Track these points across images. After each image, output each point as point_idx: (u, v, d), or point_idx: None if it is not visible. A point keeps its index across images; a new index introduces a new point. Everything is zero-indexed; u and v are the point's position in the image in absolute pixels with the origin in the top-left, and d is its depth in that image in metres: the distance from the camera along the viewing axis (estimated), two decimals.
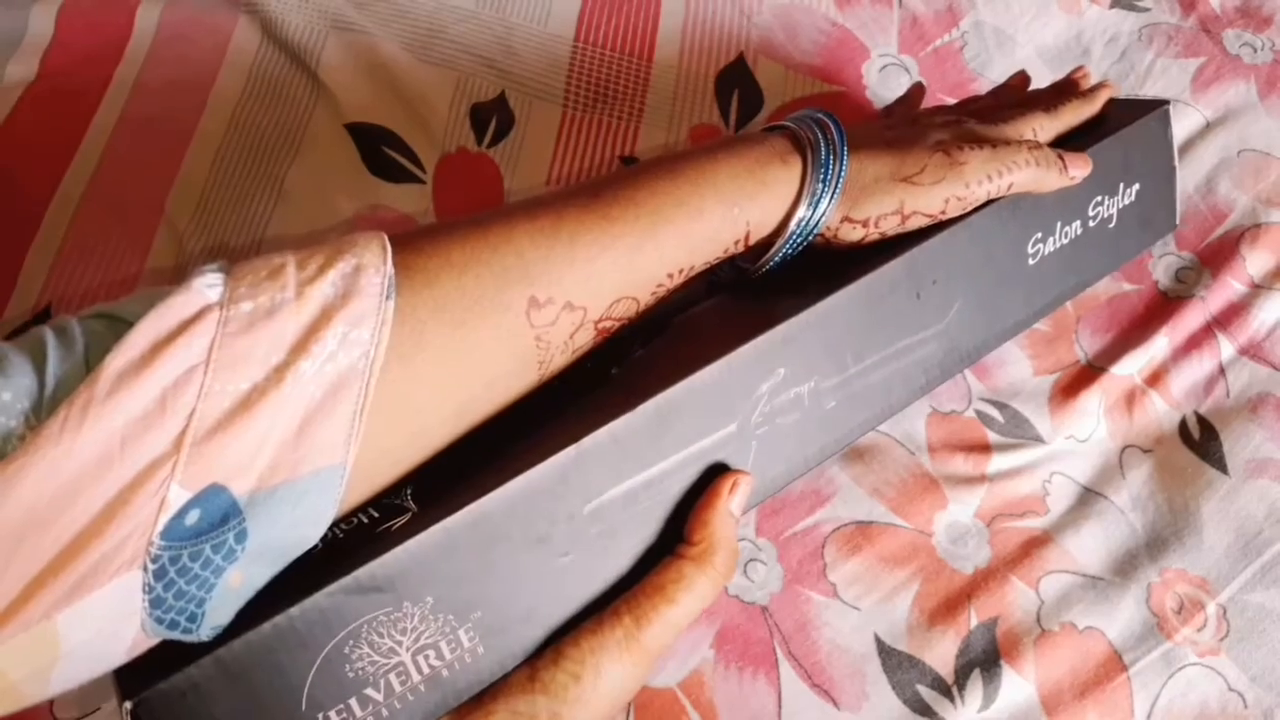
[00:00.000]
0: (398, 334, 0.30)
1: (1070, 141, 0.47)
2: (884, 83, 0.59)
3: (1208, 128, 0.58)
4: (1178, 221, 0.51)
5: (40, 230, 0.52)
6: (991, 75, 0.60)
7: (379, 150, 0.55)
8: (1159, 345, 0.53)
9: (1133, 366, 0.53)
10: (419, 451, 0.34)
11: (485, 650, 0.33)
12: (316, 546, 0.31)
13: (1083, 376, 0.53)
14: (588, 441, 0.34)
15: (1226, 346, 0.54)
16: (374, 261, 0.31)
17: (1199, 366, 0.53)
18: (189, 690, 0.28)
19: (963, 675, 0.46)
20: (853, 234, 0.40)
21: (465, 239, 0.34)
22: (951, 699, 0.45)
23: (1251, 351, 0.54)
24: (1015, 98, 0.50)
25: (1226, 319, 0.54)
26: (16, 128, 0.54)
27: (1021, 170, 0.41)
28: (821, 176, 0.38)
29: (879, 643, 0.47)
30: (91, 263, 0.52)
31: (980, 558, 0.49)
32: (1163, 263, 0.56)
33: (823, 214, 0.39)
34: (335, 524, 0.32)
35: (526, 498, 0.33)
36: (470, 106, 0.56)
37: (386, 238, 0.32)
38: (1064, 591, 0.48)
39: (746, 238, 0.39)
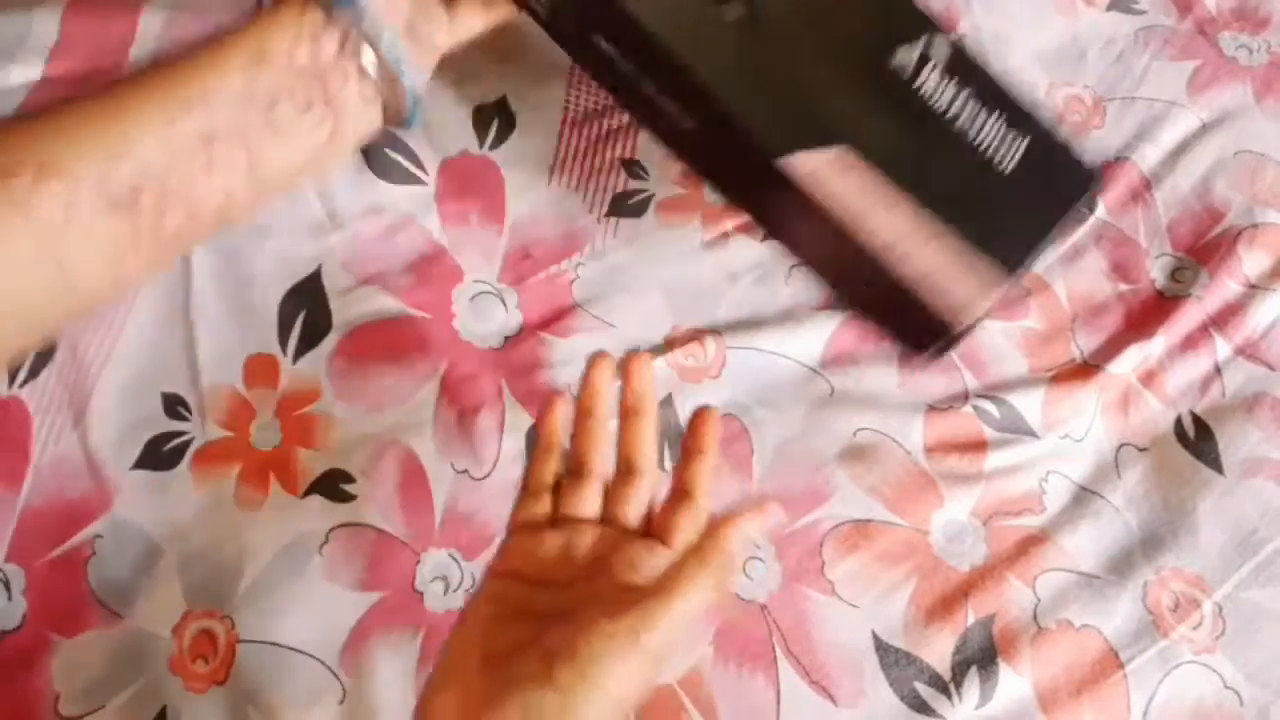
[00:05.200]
0: None
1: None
2: None
3: (1204, 129, 0.59)
4: None
5: None
6: None
7: (381, 151, 0.56)
8: (1155, 344, 0.53)
9: (1128, 365, 0.53)
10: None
11: None
12: None
13: (1079, 374, 0.53)
14: None
15: (1223, 346, 0.54)
16: None
17: (1195, 366, 0.54)
18: None
19: (960, 672, 0.46)
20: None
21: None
22: (949, 696, 0.46)
23: (1248, 351, 0.54)
24: None
25: (1223, 319, 0.55)
26: None
27: None
28: None
29: (876, 640, 0.47)
30: None
31: (977, 555, 0.49)
32: (1159, 262, 0.57)
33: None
34: None
35: None
36: (472, 109, 0.56)
37: None
38: (1060, 589, 0.48)
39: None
